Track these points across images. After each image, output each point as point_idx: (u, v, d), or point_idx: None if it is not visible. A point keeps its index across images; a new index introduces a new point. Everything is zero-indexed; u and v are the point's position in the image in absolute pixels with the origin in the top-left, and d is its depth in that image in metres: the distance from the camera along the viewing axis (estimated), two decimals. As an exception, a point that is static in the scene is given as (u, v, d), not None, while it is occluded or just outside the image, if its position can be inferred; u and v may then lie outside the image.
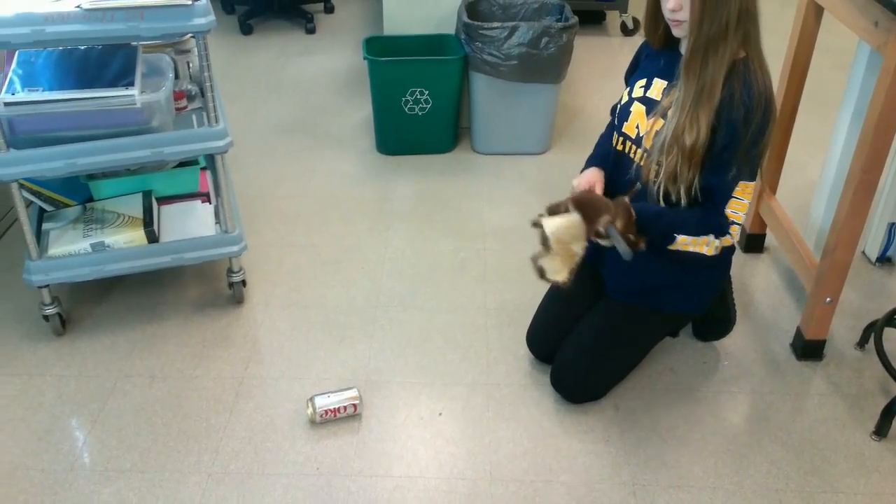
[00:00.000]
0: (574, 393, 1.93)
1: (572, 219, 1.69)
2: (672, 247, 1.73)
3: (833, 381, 2.00)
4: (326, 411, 1.88)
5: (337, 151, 3.11)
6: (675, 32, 1.68)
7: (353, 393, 1.90)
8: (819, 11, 2.08)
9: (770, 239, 2.45)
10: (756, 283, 2.34)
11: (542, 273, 1.72)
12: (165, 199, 2.30)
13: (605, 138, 2.00)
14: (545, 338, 2.03)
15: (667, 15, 1.66)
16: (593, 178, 1.90)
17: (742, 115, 1.59)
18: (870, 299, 2.21)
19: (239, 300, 2.29)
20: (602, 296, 1.97)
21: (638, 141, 1.78)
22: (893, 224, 2.32)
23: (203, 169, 2.39)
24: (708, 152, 1.64)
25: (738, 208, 1.69)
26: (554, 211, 1.73)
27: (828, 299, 1.93)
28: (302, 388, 1.99)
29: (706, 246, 1.73)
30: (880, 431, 1.83)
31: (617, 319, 1.92)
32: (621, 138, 1.84)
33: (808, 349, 2.04)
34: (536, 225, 1.71)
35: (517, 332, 2.11)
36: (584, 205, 1.69)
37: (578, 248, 1.70)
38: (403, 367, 2.07)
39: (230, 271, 2.23)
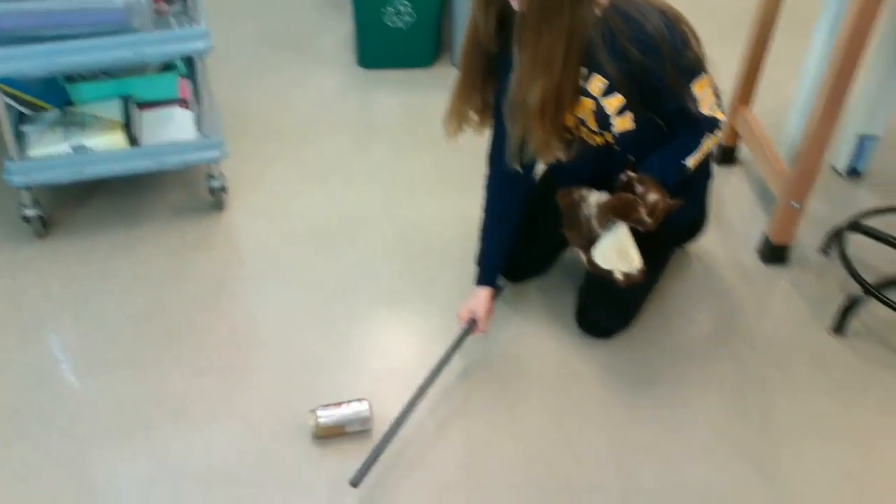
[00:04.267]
0: (605, 333, 1.93)
1: (617, 236, 1.64)
2: (691, 171, 1.68)
3: (796, 284, 2.07)
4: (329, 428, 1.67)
5: (318, 66, 3.10)
6: (514, 5, 1.52)
7: (362, 406, 1.69)
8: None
9: (744, 153, 2.50)
10: (727, 193, 2.39)
11: (626, 277, 1.66)
12: (145, 105, 2.30)
13: (497, 221, 1.88)
14: (524, 268, 2.05)
15: None
16: (484, 307, 1.82)
17: (643, 50, 1.52)
18: (837, 210, 2.27)
19: (219, 206, 2.31)
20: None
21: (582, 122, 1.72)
22: (862, 136, 2.37)
23: (182, 77, 2.38)
24: (646, 95, 1.60)
25: (709, 96, 1.63)
26: (585, 238, 1.67)
27: (795, 203, 1.99)
28: (286, 290, 2.04)
29: (712, 144, 1.69)
30: (839, 329, 1.92)
31: None
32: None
33: (774, 253, 2.11)
34: (593, 266, 1.67)
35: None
36: (619, 212, 1.62)
37: (633, 249, 1.66)
38: (387, 272, 2.12)
39: (211, 177, 2.25)
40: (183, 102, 2.33)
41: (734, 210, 2.32)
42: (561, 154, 1.67)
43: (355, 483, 1.53)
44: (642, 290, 1.93)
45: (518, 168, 1.71)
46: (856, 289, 1.90)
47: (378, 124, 2.77)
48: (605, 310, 1.92)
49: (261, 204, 2.36)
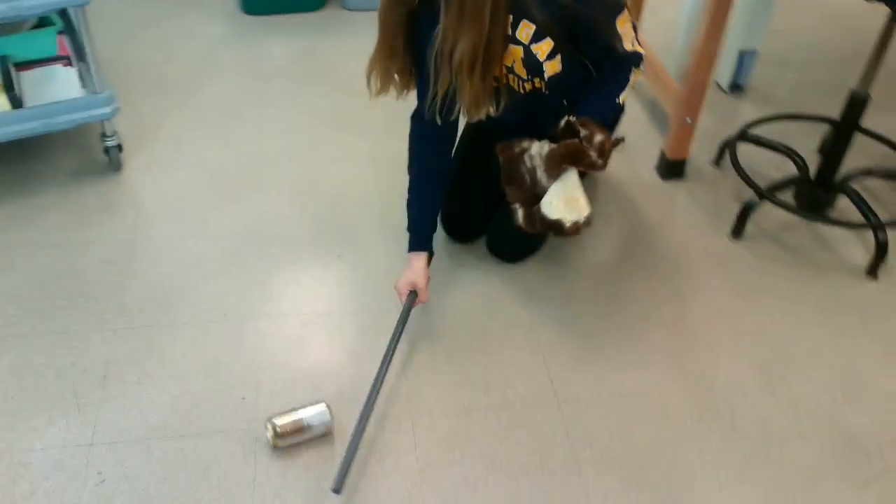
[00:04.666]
0: (514, 259, 1.98)
1: (566, 184, 1.60)
2: (622, 106, 1.72)
3: (694, 196, 2.20)
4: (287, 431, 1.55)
5: (200, 14, 2.99)
6: None
7: (320, 408, 1.58)
8: None
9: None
10: (623, 115, 2.48)
11: (574, 225, 1.62)
12: (23, 65, 2.17)
13: (424, 182, 1.85)
14: (469, 221, 2.02)
15: None
16: (423, 276, 1.76)
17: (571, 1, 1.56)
18: (724, 123, 2.41)
19: (116, 166, 2.22)
20: None
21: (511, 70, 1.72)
22: (743, 51, 2.50)
23: (60, 33, 2.26)
24: (573, 36, 1.63)
25: (630, 30, 1.68)
26: (528, 193, 1.64)
27: (688, 119, 2.10)
28: (197, 243, 2.00)
29: (636, 78, 1.72)
30: (737, 234, 2.05)
31: None
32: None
33: (672, 168, 2.22)
34: (533, 221, 1.64)
35: (405, 178, 2.16)
36: (571, 159, 1.59)
37: (582, 196, 1.63)
38: (300, 217, 2.11)
39: (104, 136, 2.16)
40: (64, 60, 2.21)
41: (630, 131, 2.41)
42: (491, 109, 1.67)
43: (337, 489, 1.43)
44: None
45: (440, 122, 1.69)
46: (750, 194, 2.03)
47: (270, 70, 2.71)
48: (513, 236, 1.93)
49: (159, 158, 2.29)
